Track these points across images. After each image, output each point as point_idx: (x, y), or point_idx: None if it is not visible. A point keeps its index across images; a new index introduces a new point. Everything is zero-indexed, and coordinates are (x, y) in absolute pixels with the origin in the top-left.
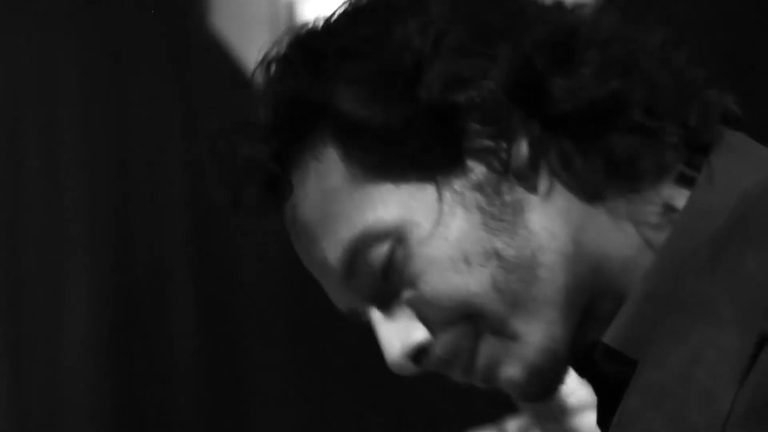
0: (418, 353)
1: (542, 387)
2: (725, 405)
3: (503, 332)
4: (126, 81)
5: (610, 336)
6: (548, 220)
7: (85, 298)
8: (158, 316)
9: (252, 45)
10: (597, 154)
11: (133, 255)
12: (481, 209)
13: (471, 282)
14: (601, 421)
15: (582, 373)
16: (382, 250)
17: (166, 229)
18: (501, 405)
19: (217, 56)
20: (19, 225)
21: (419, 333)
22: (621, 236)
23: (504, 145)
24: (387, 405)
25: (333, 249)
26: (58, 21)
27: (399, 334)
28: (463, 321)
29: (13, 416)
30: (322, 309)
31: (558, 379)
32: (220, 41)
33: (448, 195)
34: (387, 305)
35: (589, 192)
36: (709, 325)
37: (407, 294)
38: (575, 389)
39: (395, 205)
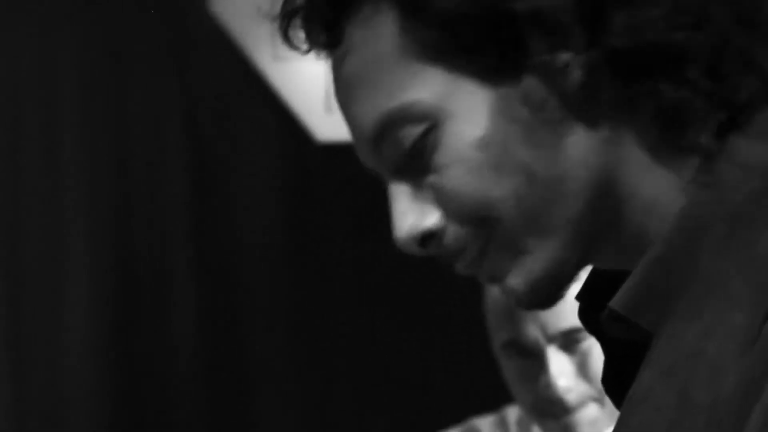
0: (426, 238)
1: (540, 301)
2: (728, 381)
3: (515, 244)
4: (126, 80)
5: (618, 301)
6: (586, 148)
7: (85, 297)
8: (158, 316)
9: (254, 35)
10: (643, 97)
11: (133, 255)
12: (523, 122)
13: (495, 189)
14: (606, 379)
15: (590, 329)
16: (414, 131)
17: (167, 228)
18: (501, 392)
19: (219, 49)
20: (19, 225)
21: (432, 218)
22: (651, 181)
23: (560, 63)
24: (388, 403)
25: (368, 114)
26: (58, 21)
27: (412, 213)
28: (478, 222)
29: (14, 416)
30: (323, 309)
31: (558, 296)
32: (222, 31)
33: (493, 99)
34: (408, 182)
35: (629, 130)
36: (721, 302)
37: (430, 179)
38: (574, 386)
39: (439, 90)
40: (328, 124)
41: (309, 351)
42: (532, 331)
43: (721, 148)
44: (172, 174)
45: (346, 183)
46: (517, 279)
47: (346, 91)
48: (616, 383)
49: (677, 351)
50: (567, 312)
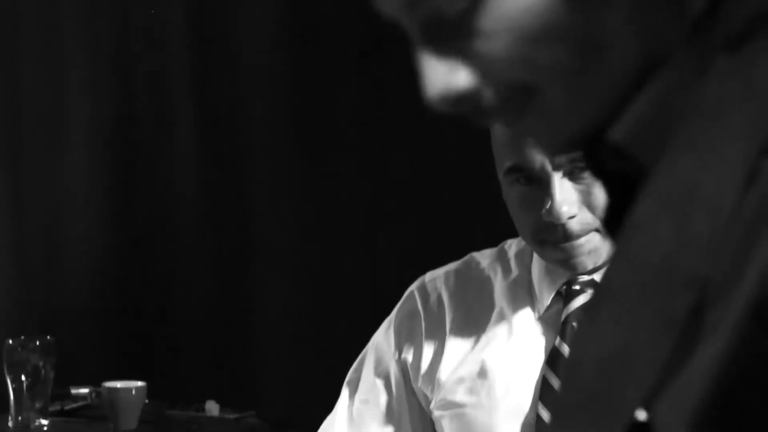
0: (459, 99)
1: (568, 150)
2: (724, 215)
3: (552, 109)
4: None
5: (616, 133)
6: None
7: (84, 146)
8: (159, 144)
9: None
10: None
11: (134, 83)
12: None
13: (541, 58)
14: (608, 221)
15: (590, 164)
16: None
17: (166, 53)
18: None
19: None
20: (18, 49)
21: (464, 79)
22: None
23: None
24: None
25: None
26: None
27: (445, 75)
28: (519, 89)
29: (14, 257)
30: (329, 173)
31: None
32: None
33: None
34: (440, 42)
35: None
36: (719, 133)
37: (469, 41)
38: (577, 213)
39: None
40: None
41: (314, 215)
42: (539, 156)
43: None
44: (172, 26)
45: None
46: (550, 138)
47: None
48: (617, 223)
49: (675, 182)
50: None
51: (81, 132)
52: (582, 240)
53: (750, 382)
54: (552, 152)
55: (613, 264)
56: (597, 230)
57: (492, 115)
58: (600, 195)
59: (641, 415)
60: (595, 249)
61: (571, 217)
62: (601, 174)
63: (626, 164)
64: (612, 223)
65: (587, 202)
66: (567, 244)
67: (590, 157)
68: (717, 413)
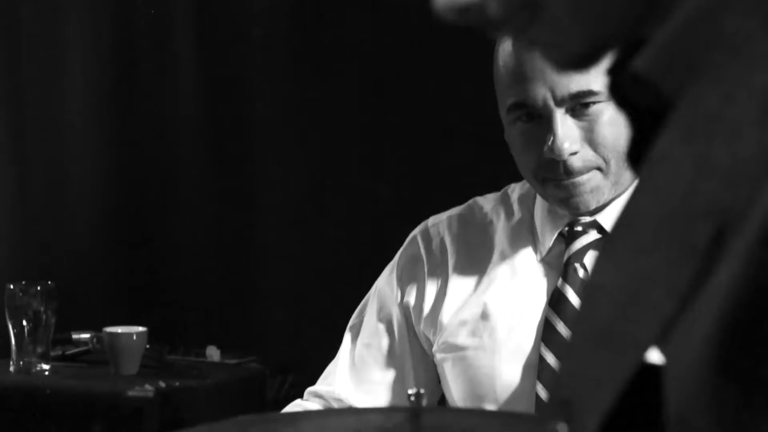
0: (466, 9)
1: (577, 68)
2: (750, 144)
3: (558, 23)
4: None
5: (640, 63)
6: None
7: (84, 61)
8: (160, 77)
9: None
10: None
11: (133, 6)
12: None
13: None
14: (632, 153)
15: (618, 102)
16: None
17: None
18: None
19: None
20: None
21: None
22: None
23: None
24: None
25: None
26: None
27: None
28: (522, 2)
29: (15, 202)
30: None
31: (594, 64)
32: None
33: None
34: None
35: None
36: (744, 64)
37: None
38: (579, 150)
39: None
40: None
41: (318, 162)
42: (541, 93)
43: None
44: None
45: None
46: (557, 49)
47: None
48: (640, 157)
49: (697, 114)
50: (577, 75)
51: (80, 74)
52: (583, 178)
53: (760, 308)
54: (560, 66)
55: (635, 195)
56: (599, 169)
57: (499, 26)
58: (603, 132)
59: (655, 356)
60: (596, 188)
61: (573, 154)
62: (624, 106)
63: (650, 95)
64: (635, 157)
65: (589, 140)
66: (568, 182)
67: (614, 88)
68: (727, 342)
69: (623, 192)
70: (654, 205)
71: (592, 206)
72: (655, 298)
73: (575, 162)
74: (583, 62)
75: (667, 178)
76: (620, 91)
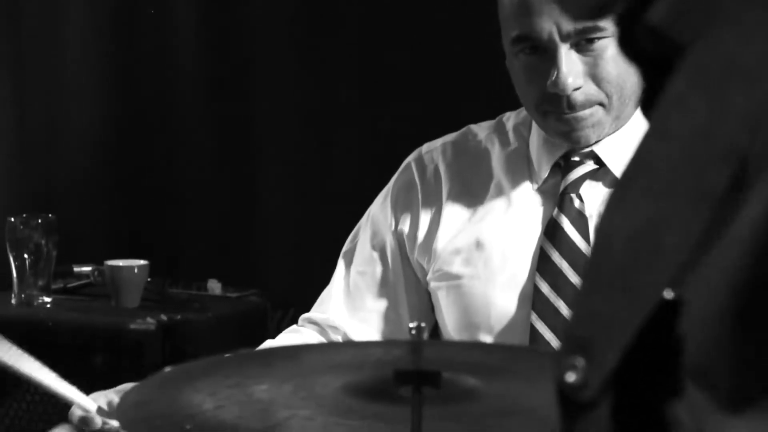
0: None
1: (585, 18)
2: (765, 86)
3: None
4: None
5: (656, 14)
6: None
7: (84, 12)
8: (160, 16)
9: None
10: None
11: None
12: None
13: None
14: (645, 104)
15: (626, 50)
16: None
17: None
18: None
19: None
20: None
21: None
22: None
23: None
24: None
25: None
26: None
27: None
28: None
29: (15, 135)
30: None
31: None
32: None
33: None
34: None
35: None
36: (762, 6)
37: None
38: (582, 85)
39: None
40: None
41: (315, 95)
42: (547, 27)
43: None
44: None
45: None
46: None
47: None
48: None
49: (713, 57)
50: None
51: (80, 7)
52: (585, 113)
53: None
54: (576, 17)
55: (647, 139)
56: (601, 104)
57: None
58: (607, 67)
59: (669, 293)
60: (598, 122)
61: (577, 89)
62: (636, 57)
63: (664, 46)
64: (649, 107)
65: (593, 75)
66: (570, 116)
67: (625, 39)
68: (748, 289)
69: (622, 126)
70: (668, 149)
71: (593, 140)
72: (670, 244)
73: (578, 97)
74: (597, 12)
75: (681, 122)
76: (631, 43)
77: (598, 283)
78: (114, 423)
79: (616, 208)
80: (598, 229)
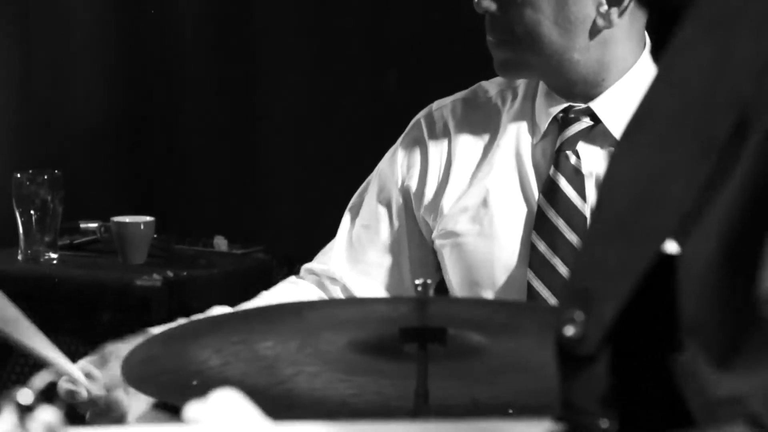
0: None
1: None
2: None
3: None
4: None
5: None
6: None
7: None
8: None
9: None
10: None
11: None
12: None
13: None
14: (654, 52)
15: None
16: None
17: None
18: None
19: None
20: None
21: None
22: None
23: None
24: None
25: None
26: None
27: None
28: None
29: (21, 90)
30: None
31: None
32: None
33: None
34: None
35: None
36: None
37: None
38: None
39: None
40: None
41: (323, 48)
42: None
43: None
44: None
45: None
46: None
47: None
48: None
49: (721, 7)
50: None
51: None
52: (496, 39)
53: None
54: None
55: (654, 85)
56: (514, 38)
57: None
58: (519, 9)
59: (672, 247)
60: (511, 58)
61: (489, 12)
62: (648, 4)
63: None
64: (658, 56)
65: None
66: (489, 41)
67: None
68: (737, 234)
69: (616, 79)
70: (674, 97)
71: (510, 75)
72: (674, 192)
73: (489, 21)
74: None
75: (688, 70)
76: None
77: (602, 231)
78: (97, 390)
79: (622, 156)
80: (605, 177)
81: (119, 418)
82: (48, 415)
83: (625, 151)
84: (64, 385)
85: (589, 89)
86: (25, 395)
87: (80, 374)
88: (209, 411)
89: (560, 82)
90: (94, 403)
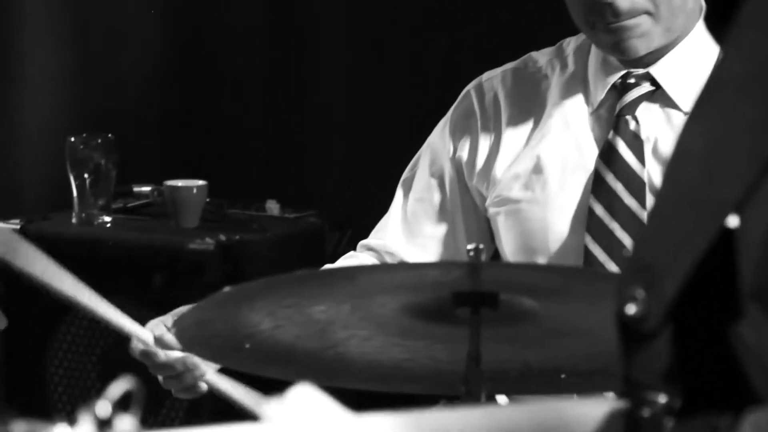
0: None
1: None
2: None
3: None
4: None
5: None
6: None
7: None
8: None
9: None
10: None
11: None
12: None
13: None
14: (711, 23)
15: None
16: None
17: None
18: None
19: None
20: None
21: None
22: None
23: None
24: None
25: None
26: None
27: None
28: None
29: (75, 55)
30: None
31: None
32: None
33: None
34: None
35: None
36: None
37: None
38: None
39: None
40: None
41: (372, 15)
42: None
43: None
44: None
45: None
46: None
47: None
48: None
49: (751, 65)
50: None
51: None
52: (632, 22)
53: None
54: None
55: (723, 58)
56: (648, 13)
57: None
58: None
59: (733, 220)
60: (646, 33)
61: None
62: None
63: None
64: (714, 23)
65: None
66: (616, 26)
67: None
68: None
69: (676, 42)
70: (740, 68)
71: (642, 52)
72: (740, 162)
73: (623, 4)
74: None
75: (757, 40)
76: None
77: (668, 202)
78: (174, 353)
79: (691, 128)
80: (674, 148)
81: (192, 385)
82: (126, 425)
83: (694, 121)
84: (138, 346)
85: (654, 54)
86: (103, 407)
87: (151, 337)
88: (288, 408)
89: (651, 47)
90: (171, 366)
